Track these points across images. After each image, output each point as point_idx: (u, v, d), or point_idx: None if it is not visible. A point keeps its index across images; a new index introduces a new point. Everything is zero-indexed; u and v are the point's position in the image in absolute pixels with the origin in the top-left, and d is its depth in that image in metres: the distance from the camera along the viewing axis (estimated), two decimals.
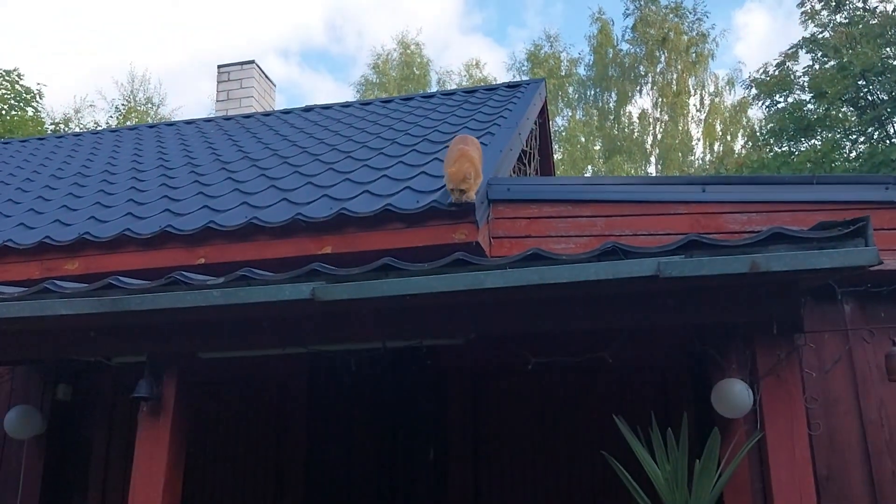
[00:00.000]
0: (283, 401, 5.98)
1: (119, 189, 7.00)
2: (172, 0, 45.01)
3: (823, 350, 4.90)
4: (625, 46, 29.26)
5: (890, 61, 19.53)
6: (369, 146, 7.08)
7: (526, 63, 30.64)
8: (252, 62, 11.87)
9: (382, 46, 33.51)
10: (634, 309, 3.69)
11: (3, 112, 22.22)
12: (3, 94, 22.46)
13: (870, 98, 20.35)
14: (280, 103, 12.53)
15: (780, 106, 21.90)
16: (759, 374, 3.65)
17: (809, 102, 21.05)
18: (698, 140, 28.05)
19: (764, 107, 23.07)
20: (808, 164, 18.33)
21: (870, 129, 20.54)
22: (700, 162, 27.72)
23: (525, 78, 26.82)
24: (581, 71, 30.55)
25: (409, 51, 32.67)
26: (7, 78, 22.50)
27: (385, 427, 5.92)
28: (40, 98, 23.47)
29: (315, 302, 3.46)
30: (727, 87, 28.29)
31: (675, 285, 3.37)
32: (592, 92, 30.14)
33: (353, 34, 47.72)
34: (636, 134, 28.72)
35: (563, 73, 30.18)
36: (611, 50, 29.45)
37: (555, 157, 11.82)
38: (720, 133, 27.82)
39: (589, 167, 28.31)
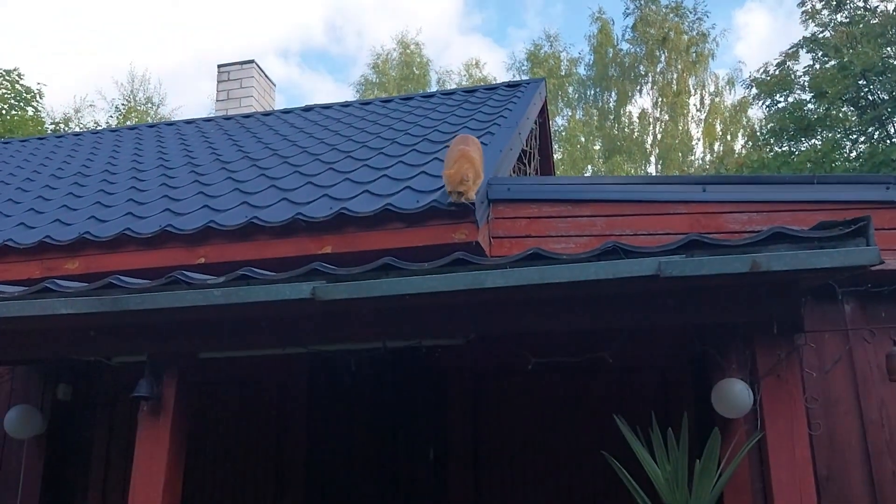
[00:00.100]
0: (283, 401, 5.98)
1: (119, 189, 7.00)
2: (172, 0, 45.03)
3: (824, 350, 4.90)
4: (625, 46, 29.31)
5: (891, 61, 19.53)
6: (369, 146, 7.08)
7: (526, 63, 30.66)
8: (252, 62, 11.86)
9: (382, 46, 33.55)
10: (634, 309, 3.68)
11: (4, 112, 22.23)
12: (4, 93, 22.47)
13: (870, 98, 20.33)
14: (280, 103, 12.54)
15: (780, 106, 21.89)
16: (759, 373, 3.65)
17: (810, 102, 21.04)
18: (698, 140, 28.07)
19: (764, 106, 23.07)
20: (809, 164, 18.33)
21: (870, 129, 20.53)
22: (700, 162, 27.73)
23: (525, 78, 26.82)
24: (581, 71, 30.59)
25: (408, 50, 32.68)
26: (7, 78, 22.51)
27: (385, 427, 5.92)
28: (40, 98, 23.49)
29: (315, 301, 3.46)
30: (727, 87, 28.33)
31: (676, 285, 3.37)
32: (592, 92, 30.14)
33: (353, 34, 47.77)
34: (636, 134, 28.72)
35: (562, 73, 30.19)
36: (611, 49, 29.45)
37: (555, 156, 11.82)
38: (720, 133, 27.81)
39: (589, 167, 28.31)
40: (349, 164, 6.45)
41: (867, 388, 4.84)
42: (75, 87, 46.33)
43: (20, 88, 22.75)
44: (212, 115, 11.84)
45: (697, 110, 28.25)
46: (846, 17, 21.20)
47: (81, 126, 26.99)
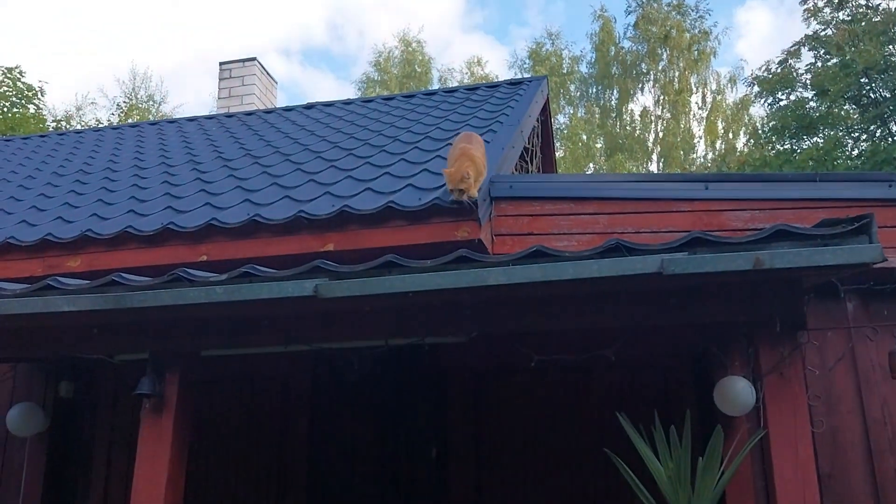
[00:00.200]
0: (286, 399, 5.98)
1: (121, 186, 6.99)
2: (173, 0, 45.01)
3: (826, 348, 4.89)
4: (627, 44, 29.26)
5: (893, 59, 19.52)
6: (371, 143, 7.07)
7: (528, 61, 30.63)
8: (254, 59, 11.85)
9: (384, 44, 33.53)
10: (637, 306, 3.68)
11: (5, 109, 22.25)
12: (5, 91, 22.48)
13: (872, 96, 20.32)
14: (281, 101, 12.51)
15: (782, 103, 21.89)
16: (761, 371, 3.65)
17: (812, 100, 21.03)
18: (700, 138, 28.04)
19: (766, 104, 23.07)
20: (811, 162, 18.32)
21: (872, 127, 20.52)
22: (702, 160, 27.70)
23: (527, 75, 26.79)
24: (583, 69, 30.55)
25: (410, 48, 32.66)
26: (9, 75, 22.52)
27: (387, 425, 5.92)
28: (42, 95, 23.50)
29: (318, 299, 3.46)
30: (729, 85, 28.29)
31: (679, 283, 3.37)
32: (594, 90, 30.11)
33: (355, 33, 47.76)
34: (638, 132, 28.69)
35: (564, 71, 30.16)
36: (613, 47, 29.41)
37: (556, 154, 11.81)
38: (722, 131, 27.78)
39: (591, 165, 28.29)
40: (351, 161, 6.44)
41: (870, 385, 4.83)
42: (76, 86, 46.46)
43: (21, 86, 22.75)
44: (213, 113, 11.84)
45: (699, 108, 28.25)
46: (848, 15, 21.18)
47: (83, 124, 27.00)
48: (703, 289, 3.57)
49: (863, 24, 20.38)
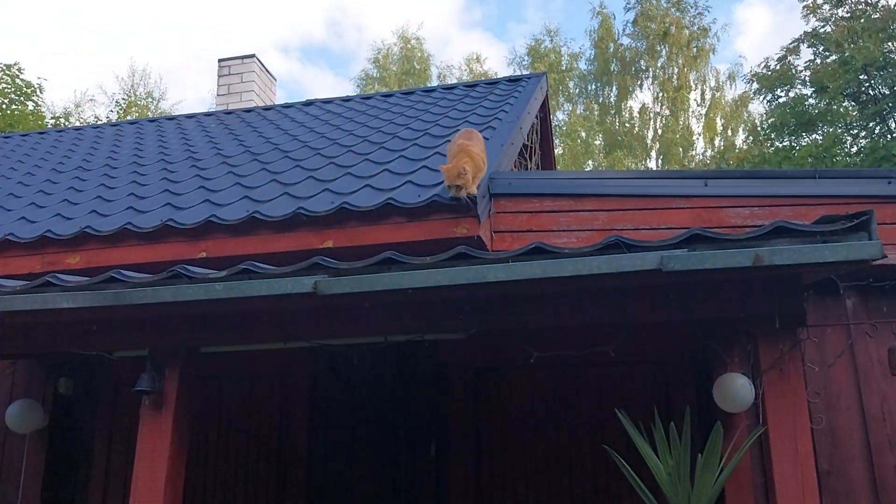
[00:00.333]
0: (285, 395, 5.97)
1: (120, 183, 6.99)
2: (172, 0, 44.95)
3: (825, 344, 4.90)
4: (626, 41, 29.21)
5: (892, 56, 19.52)
6: (370, 140, 7.07)
7: (526, 58, 30.60)
8: (253, 56, 11.83)
9: (383, 41, 33.53)
10: (636, 303, 3.68)
11: (4, 106, 22.21)
12: (4, 88, 22.44)
13: (871, 93, 20.33)
14: (280, 98, 12.54)
15: (781, 100, 21.90)
16: (761, 368, 3.65)
17: (811, 97, 21.03)
18: (699, 135, 28.02)
19: (765, 101, 23.08)
20: (810, 159, 18.32)
21: (871, 124, 20.52)
22: (701, 157, 27.69)
23: (525, 72, 26.76)
24: (582, 65, 30.52)
25: (409, 45, 32.63)
26: (7, 72, 22.48)
27: (386, 421, 5.92)
28: (41, 92, 23.47)
29: (317, 296, 3.46)
30: (728, 82, 28.27)
31: (678, 279, 3.37)
32: (593, 86, 30.09)
33: (353, 30, 47.69)
34: (637, 129, 28.66)
35: (563, 68, 30.12)
36: (612, 44, 29.38)
37: (555, 151, 11.80)
38: (721, 128, 27.77)
39: (590, 162, 28.28)
40: (350, 158, 6.44)
41: (869, 382, 4.84)
42: (76, 85, 46.40)
43: (20, 83, 22.72)
44: (212, 110, 11.83)
45: (698, 105, 28.23)
46: (847, 12, 21.18)
47: (82, 120, 26.99)
48: (703, 285, 3.56)
49: (862, 20, 20.38)
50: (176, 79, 45.39)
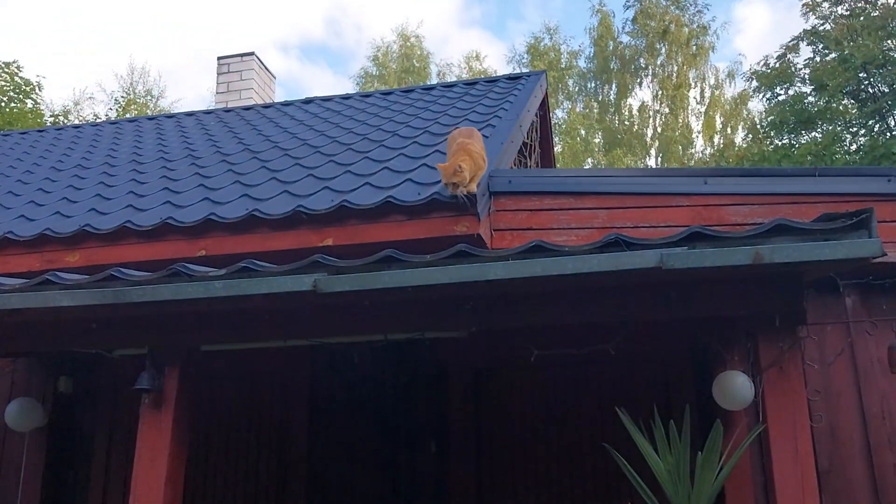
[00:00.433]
0: (285, 393, 5.97)
1: (119, 181, 6.99)
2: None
3: (825, 342, 4.90)
4: (625, 39, 29.18)
5: (891, 54, 19.50)
6: (370, 138, 7.07)
7: (526, 55, 30.56)
8: (252, 54, 11.82)
9: (382, 39, 33.50)
10: (636, 301, 3.68)
11: (3, 104, 22.17)
12: (3, 86, 22.40)
13: (871, 91, 20.31)
14: (280, 96, 12.52)
15: (780, 98, 21.87)
16: (761, 366, 3.65)
17: (810, 95, 21.02)
18: (698, 133, 28.00)
19: (764, 99, 23.06)
20: (809, 157, 18.31)
21: (870, 122, 20.51)
22: (700, 155, 27.66)
23: (525, 70, 26.74)
24: (581, 63, 30.48)
25: (408, 43, 32.59)
26: (6, 70, 22.45)
27: (387, 420, 5.92)
28: (39, 90, 23.43)
29: (317, 294, 3.45)
30: (728, 80, 28.24)
31: (678, 277, 3.36)
32: (593, 84, 30.06)
33: (352, 28, 47.62)
34: (636, 127, 28.65)
35: (563, 66, 30.09)
36: (611, 42, 29.35)
37: (555, 149, 11.80)
38: (720, 126, 27.76)
39: (589, 160, 28.27)
40: (350, 156, 6.44)
41: (868, 380, 4.84)
42: (75, 84, 46.35)
43: (19, 81, 22.69)
44: (212, 108, 11.82)
45: (698, 103, 28.19)
46: (847, 10, 21.16)
47: (81, 118, 26.96)
48: (703, 283, 3.56)
49: (861, 18, 20.36)
50: (175, 77, 45.35)
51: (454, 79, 28.75)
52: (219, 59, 11.89)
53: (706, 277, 3.44)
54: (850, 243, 3.13)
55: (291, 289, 3.49)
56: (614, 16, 29.50)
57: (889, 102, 19.51)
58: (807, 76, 21.12)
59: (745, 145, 24.93)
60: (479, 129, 5.70)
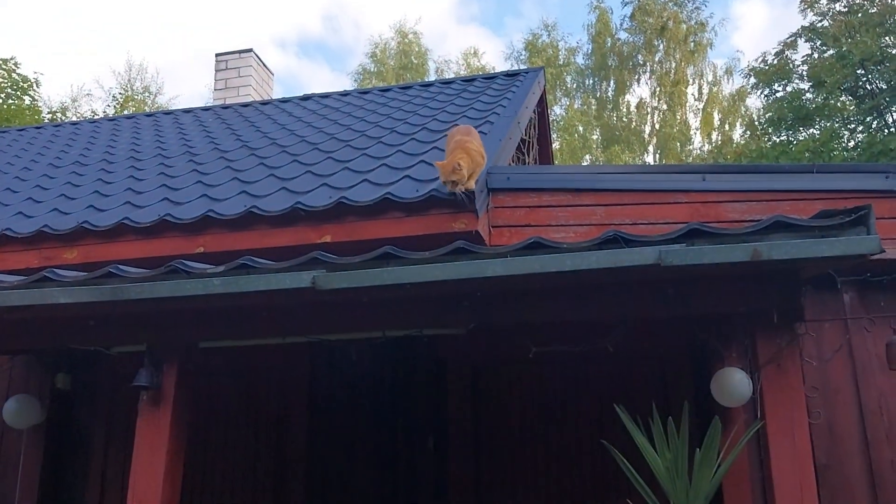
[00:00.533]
0: (284, 390, 5.97)
1: (117, 178, 6.98)
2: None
3: (823, 339, 4.90)
4: (623, 35, 29.21)
5: (889, 50, 19.52)
6: (368, 135, 7.06)
7: (524, 52, 30.57)
8: (250, 50, 11.80)
9: (380, 36, 33.44)
10: (635, 298, 3.68)
11: (0, 101, 22.14)
12: (0, 82, 22.37)
13: (869, 87, 20.33)
14: (278, 93, 12.48)
15: (778, 95, 21.89)
16: (759, 363, 3.65)
17: (808, 91, 21.04)
18: (696, 129, 28.02)
19: (762, 96, 23.08)
20: (807, 154, 18.33)
21: (868, 119, 20.54)
22: (698, 152, 27.69)
23: (523, 67, 26.73)
24: (579, 60, 30.50)
25: (406, 40, 32.56)
26: (4, 66, 22.41)
27: (385, 416, 5.93)
28: (37, 87, 23.40)
29: (315, 290, 3.45)
30: (725, 77, 28.27)
31: (676, 274, 3.36)
32: (590, 81, 30.08)
33: (350, 25, 47.59)
34: (634, 123, 28.67)
35: (560, 63, 30.08)
36: (609, 39, 29.35)
37: (553, 146, 11.79)
38: (718, 122, 27.77)
39: (587, 157, 28.27)
40: (348, 153, 6.43)
41: (866, 377, 4.85)
42: (73, 81, 46.32)
43: (17, 77, 22.65)
44: (210, 104, 11.80)
45: (696, 100, 28.24)
46: (845, 7, 21.17)
47: (78, 115, 26.90)
48: (701, 280, 3.56)
49: (859, 15, 20.37)
50: (173, 74, 45.29)
51: (452, 76, 28.71)
52: (217, 55, 11.87)
53: (704, 274, 3.44)
54: (848, 240, 3.13)
55: (290, 286, 3.48)
56: (612, 12, 29.58)
57: (887, 99, 19.53)
58: (805, 73, 21.14)
59: (743, 142, 24.96)
60: (478, 126, 5.70)
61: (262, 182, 5.91)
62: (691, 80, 28.13)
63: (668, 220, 4.98)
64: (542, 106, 9.27)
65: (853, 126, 21.08)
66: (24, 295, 3.77)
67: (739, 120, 27.41)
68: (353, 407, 5.98)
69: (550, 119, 12.72)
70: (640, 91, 29.76)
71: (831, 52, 20.21)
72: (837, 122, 20.85)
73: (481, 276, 3.34)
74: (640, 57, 28.62)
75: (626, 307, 3.72)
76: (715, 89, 28.10)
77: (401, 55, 32.15)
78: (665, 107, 27.98)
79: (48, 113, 25.16)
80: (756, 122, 24.28)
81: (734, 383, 3.94)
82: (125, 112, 25.59)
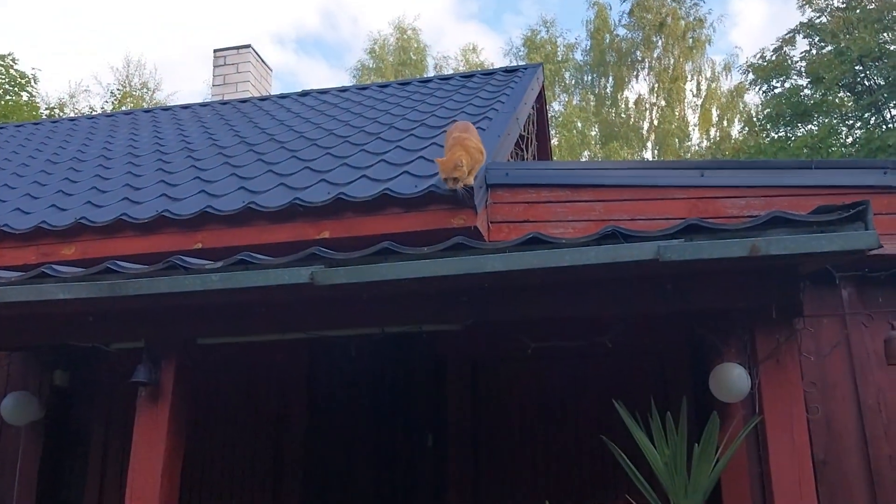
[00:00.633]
0: (283, 386, 5.96)
1: (115, 174, 6.97)
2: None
3: (822, 335, 4.90)
4: (622, 31, 29.18)
5: (887, 46, 19.51)
6: (367, 131, 7.05)
7: (523, 48, 30.54)
8: (248, 46, 11.78)
9: (379, 32, 33.40)
10: (633, 293, 3.68)
11: None
12: None
13: (867, 83, 20.32)
14: (276, 89, 12.45)
15: (777, 91, 21.88)
16: (757, 358, 3.65)
17: (806, 87, 21.02)
18: (695, 126, 28.02)
19: (761, 92, 23.07)
20: (805, 150, 18.33)
21: (866, 115, 20.53)
22: (697, 148, 27.69)
23: (522, 63, 26.69)
24: (578, 56, 30.47)
25: (405, 36, 32.54)
26: (1, 63, 22.37)
27: (384, 413, 5.92)
28: (35, 83, 23.35)
29: (314, 286, 3.45)
30: (724, 73, 28.25)
31: (675, 269, 3.37)
32: (589, 77, 30.05)
33: (349, 21, 47.56)
34: (633, 119, 28.65)
35: (559, 59, 30.06)
36: (608, 35, 29.34)
37: (552, 142, 11.79)
38: (717, 119, 27.77)
39: (586, 153, 28.26)
40: (347, 148, 6.42)
41: (864, 372, 4.85)
42: (71, 77, 46.24)
43: (14, 73, 22.61)
44: (208, 100, 11.78)
45: (694, 96, 28.23)
46: (843, 3, 21.15)
47: (76, 111, 26.87)
48: (700, 276, 3.56)
49: (857, 11, 20.36)
50: (171, 70, 45.29)
51: (451, 72, 28.68)
52: (215, 51, 11.84)
53: (703, 270, 3.44)
54: (847, 235, 3.13)
55: (288, 281, 3.48)
56: (611, 9, 29.55)
57: (885, 95, 19.52)
58: (803, 69, 21.13)
59: (741, 138, 24.96)
60: (476, 122, 5.70)
61: (261, 178, 5.90)
62: (690, 77, 28.13)
63: (666, 215, 4.98)
64: (541, 102, 9.27)
65: (851, 122, 21.08)
66: (21, 291, 3.77)
67: (738, 116, 27.41)
68: (353, 404, 5.97)
69: (549, 115, 12.72)
70: (639, 87, 29.87)
71: (829, 48, 20.21)
72: (835, 119, 20.84)
73: (480, 271, 3.34)
74: (638, 53, 28.61)
75: (624, 303, 3.72)
76: (713, 85, 28.09)
77: (399, 51, 32.12)
78: (663, 103, 27.97)
79: (46, 109, 25.13)
80: (754, 119, 24.30)
81: (732, 378, 3.95)
82: (123, 108, 25.54)
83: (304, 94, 10.20)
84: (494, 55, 42.16)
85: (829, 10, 21.31)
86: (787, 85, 21.64)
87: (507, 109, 6.89)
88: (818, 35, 20.99)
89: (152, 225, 5.32)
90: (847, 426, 4.79)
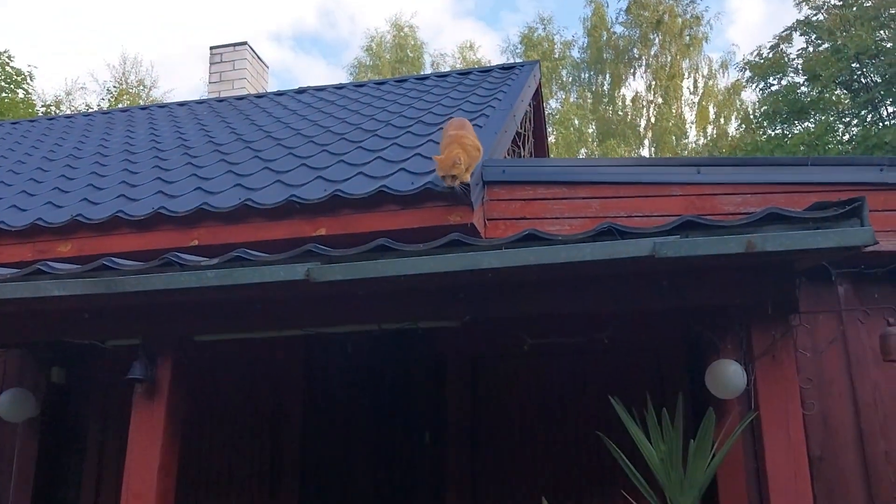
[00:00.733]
0: (280, 383, 5.96)
1: (111, 171, 6.96)
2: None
3: (818, 331, 4.90)
4: (619, 29, 29.18)
5: (884, 44, 19.54)
6: (363, 128, 7.05)
7: (519, 46, 30.53)
8: (245, 43, 11.76)
9: (376, 29, 33.39)
10: (630, 290, 3.69)
11: None
12: None
13: (863, 81, 20.36)
14: (273, 86, 12.40)
15: (773, 89, 21.91)
16: (753, 354, 3.66)
17: (803, 85, 21.06)
18: (692, 123, 28.03)
19: (758, 89, 23.10)
20: (802, 147, 18.36)
21: (863, 112, 20.56)
22: (694, 145, 27.70)
23: (519, 61, 26.69)
24: (575, 54, 30.47)
25: (402, 33, 32.50)
26: None
27: (381, 410, 5.93)
28: (31, 80, 23.32)
29: (310, 283, 3.45)
30: (721, 70, 28.27)
31: (671, 266, 3.37)
32: (586, 75, 30.05)
33: (346, 18, 47.52)
34: (630, 117, 28.66)
35: (556, 56, 30.06)
36: (605, 32, 29.33)
37: (549, 139, 11.79)
38: (714, 116, 27.79)
39: (583, 150, 28.26)
40: (343, 146, 6.42)
41: (860, 369, 4.85)
42: (68, 74, 46.25)
43: (10, 71, 22.57)
44: (204, 98, 11.77)
45: (691, 93, 28.23)
46: (840, 0, 21.17)
47: (73, 109, 26.83)
48: (696, 272, 3.57)
49: (854, 9, 20.38)
50: (168, 67, 45.23)
51: (448, 69, 28.66)
52: (211, 48, 11.82)
53: (699, 266, 3.44)
54: (843, 232, 3.14)
55: (284, 278, 3.48)
56: (608, 6, 29.54)
57: (881, 92, 19.56)
58: (800, 66, 21.16)
59: (738, 135, 24.97)
60: (473, 119, 5.70)
61: (257, 175, 5.90)
62: (687, 74, 28.13)
63: (663, 212, 4.98)
64: (538, 99, 9.27)
65: (848, 119, 21.11)
66: (17, 288, 3.77)
67: (735, 113, 27.43)
68: (350, 400, 5.98)
69: (546, 112, 12.72)
70: (636, 85, 29.75)
71: (826, 45, 20.24)
72: (832, 116, 20.87)
73: (476, 268, 3.34)
74: (635, 51, 28.62)
75: (621, 299, 3.73)
76: (710, 83, 28.11)
77: (396, 49, 32.08)
78: (660, 100, 27.97)
79: (42, 106, 25.10)
80: (751, 116, 24.31)
81: (728, 375, 3.95)
82: (119, 105, 25.50)
83: (301, 91, 10.19)
84: (491, 53, 42.15)
85: (825, 7, 21.34)
86: (783, 82, 21.68)
87: (504, 107, 6.89)
88: (815, 32, 21.01)
89: (148, 222, 5.32)
90: (843, 422, 4.79)
